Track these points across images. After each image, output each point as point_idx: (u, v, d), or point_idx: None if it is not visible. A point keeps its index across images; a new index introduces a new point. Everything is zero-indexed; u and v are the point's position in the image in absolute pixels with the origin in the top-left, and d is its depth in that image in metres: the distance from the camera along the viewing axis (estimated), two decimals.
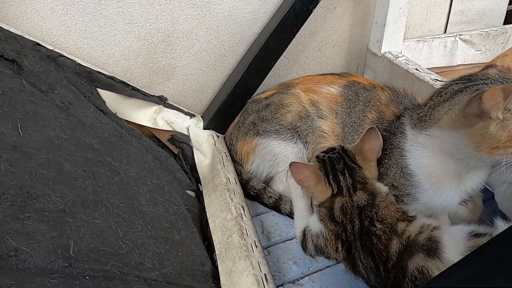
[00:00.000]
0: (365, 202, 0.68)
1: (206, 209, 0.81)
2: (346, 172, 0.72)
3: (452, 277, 0.38)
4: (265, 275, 0.63)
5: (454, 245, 0.57)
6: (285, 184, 0.89)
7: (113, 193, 0.66)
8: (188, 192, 0.89)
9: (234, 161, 0.95)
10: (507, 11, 1.37)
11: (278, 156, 0.88)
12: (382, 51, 1.09)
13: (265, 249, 0.79)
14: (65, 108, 0.76)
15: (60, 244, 0.50)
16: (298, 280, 0.73)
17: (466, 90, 0.63)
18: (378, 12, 1.07)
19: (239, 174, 0.92)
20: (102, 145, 0.75)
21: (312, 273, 0.74)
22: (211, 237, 0.74)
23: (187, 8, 0.96)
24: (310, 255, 0.75)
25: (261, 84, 1.01)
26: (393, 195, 0.71)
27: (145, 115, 0.96)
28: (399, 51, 1.10)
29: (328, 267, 0.75)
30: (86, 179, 0.64)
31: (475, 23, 1.31)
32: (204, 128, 1.03)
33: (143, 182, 0.75)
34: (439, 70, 1.19)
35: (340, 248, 0.69)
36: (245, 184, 0.91)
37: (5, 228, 0.46)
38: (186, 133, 1.00)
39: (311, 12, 0.96)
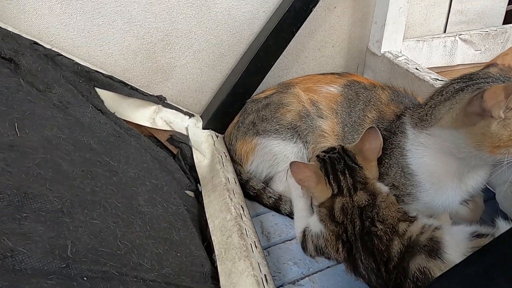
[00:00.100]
0: (366, 202, 0.68)
1: (205, 209, 0.81)
2: (347, 172, 0.72)
3: (454, 278, 0.37)
4: (265, 275, 0.63)
5: (456, 246, 0.56)
6: (285, 184, 0.88)
7: (111, 193, 0.65)
8: (187, 192, 0.88)
9: (233, 161, 0.95)
10: (507, 11, 1.37)
11: (277, 156, 0.87)
12: (382, 50, 1.09)
13: (265, 249, 0.78)
14: (63, 107, 0.76)
15: (57, 245, 0.49)
16: (298, 281, 0.72)
17: (467, 89, 0.63)
18: (377, 12, 1.07)
19: (238, 174, 0.91)
20: (100, 145, 0.74)
21: (312, 274, 0.73)
22: (210, 237, 0.74)
23: (186, 7, 0.96)
24: (310, 256, 0.74)
25: (261, 84, 1.01)
26: (394, 195, 0.71)
27: (143, 115, 0.96)
28: (399, 50, 1.09)
29: (328, 267, 0.74)
30: (84, 179, 0.63)
31: (475, 23, 1.31)
32: (203, 128, 1.02)
33: (141, 182, 0.75)
34: (438, 70, 1.19)
35: (340, 249, 0.69)
36: (244, 184, 0.90)
37: (2, 228, 0.46)
38: (185, 133, 1.00)
39: (311, 11, 0.95)
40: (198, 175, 0.91)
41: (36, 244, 0.47)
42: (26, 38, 0.81)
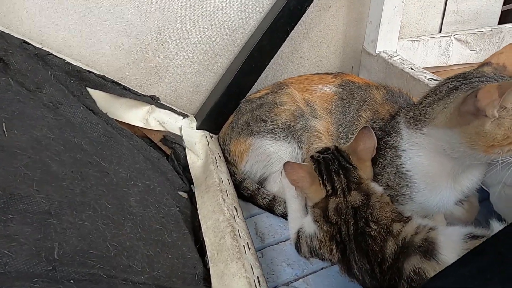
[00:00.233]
0: (360, 202, 0.67)
1: (198, 211, 0.80)
2: (341, 172, 0.71)
3: (449, 278, 0.36)
4: (257, 277, 0.62)
5: (451, 247, 0.55)
6: (279, 185, 0.87)
7: (102, 194, 0.64)
8: (180, 193, 0.87)
9: (227, 161, 0.94)
10: (502, 11, 1.37)
11: (272, 156, 0.86)
12: (377, 50, 1.08)
13: (259, 251, 0.77)
14: (53, 107, 0.75)
15: (44, 247, 0.48)
16: (292, 283, 0.71)
17: (461, 88, 0.62)
18: (372, 12, 1.06)
19: (232, 175, 0.90)
20: (91, 146, 0.73)
21: (306, 275, 0.72)
22: (203, 239, 0.73)
23: (179, 7, 0.95)
24: (304, 257, 0.74)
25: (255, 84, 1.00)
26: (388, 195, 0.70)
27: (136, 115, 0.95)
28: (394, 50, 1.09)
29: (322, 269, 0.74)
30: (73, 180, 0.62)
31: (470, 23, 1.31)
32: (198, 129, 1.01)
33: (133, 183, 0.74)
34: (434, 70, 1.19)
35: (334, 250, 0.68)
36: (238, 185, 0.89)
37: None
38: (178, 133, 0.99)
39: (305, 10, 0.95)
40: (192, 175, 0.90)
41: (21, 247, 0.46)
42: (16, 37, 0.80)
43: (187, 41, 1.00)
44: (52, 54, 0.82)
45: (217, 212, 0.75)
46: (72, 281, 0.47)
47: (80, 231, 0.54)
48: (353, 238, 0.66)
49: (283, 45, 0.98)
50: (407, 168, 0.69)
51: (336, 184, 0.70)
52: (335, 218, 0.68)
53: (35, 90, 0.74)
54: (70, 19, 0.87)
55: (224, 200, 0.77)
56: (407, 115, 0.71)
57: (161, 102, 1.00)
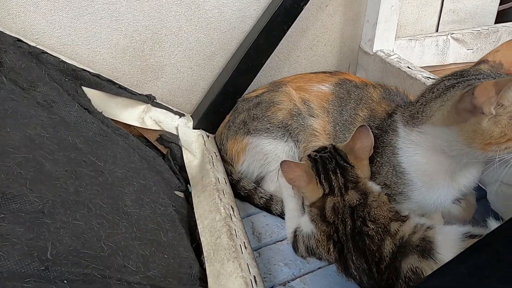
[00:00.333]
0: (357, 201, 0.67)
1: (195, 210, 0.79)
2: (338, 171, 0.71)
3: (446, 276, 0.36)
4: (254, 277, 0.61)
5: (448, 246, 0.55)
6: (276, 184, 0.87)
7: (96, 194, 0.63)
8: (177, 192, 0.86)
9: (224, 161, 0.93)
10: (498, 11, 1.37)
11: (269, 155, 0.86)
12: (374, 49, 1.08)
13: (256, 250, 0.77)
14: (47, 106, 0.74)
15: (36, 247, 0.47)
16: (289, 282, 0.71)
17: (458, 85, 0.62)
18: (369, 10, 1.06)
19: (229, 174, 0.90)
20: (86, 145, 0.73)
21: (303, 275, 0.72)
22: (199, 238, 0.72)
23: (175, 5, 0.95)
24: (302, 256, 0.73)
25: (252, 83, 1.00)
26: (385, 194, 0.70)
27: (132, 114, 0.94)
28: (391, 49, 1.09)
29: (319, 268, 0.73)
30: (67, 179, 0.61)
31: (467, 22, 1.31)
32: (194, 128, 1.01)
33: (129, 182, 0.73)
34: (431, 69, 1.19)
35: (332, 249, 0.68)
36: (235, 185, 0.89)
37: None
38: (175, 132, 0.98)
39: (302, 9, 0.94)
40: (188, 175, 0.90)
41: (13, 246, 0.45)
42: (9, 35, 0.79)
43: (183, 40, 1.00)
44: (47, 53, 0.82)
45: (214, 212, 0.74)
46: (65, 281, 0.47)
47: (73, 230, 0.53)
48: (350, 237, 0.65)
49: (279, 44, 0.98)
50: (404, 166, 0.69)
51: (333, 183, 0.70)
52: (332, 217, 0.68)
53: (29, 88, 0.73)
54: (65, 17, 0.87)
55: (220, 199, 0.76)
56: (404, 113, 0.71)
57: (157, 101, 0.99)
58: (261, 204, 0.86)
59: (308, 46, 1.15)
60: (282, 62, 1.14)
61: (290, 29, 0.96)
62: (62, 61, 0.84)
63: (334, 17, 1.14)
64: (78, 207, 0.58)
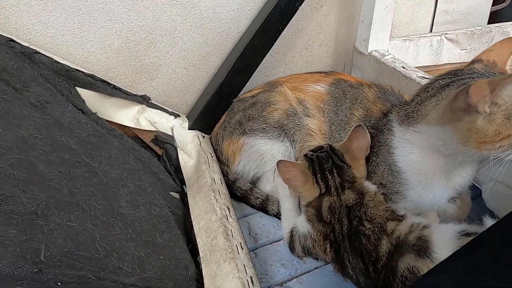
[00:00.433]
0: (354, 201, 0.67)
1: (191, 211, 0.78)
2: (335, 171, 0.71)
3: (443, 274, 0.36)
4: (250, 277, 0.61)
5: (445, 244, 0.55)
6: (272, 184, 0.87)
7: (91, 195, 0.63)
8: (172, 193, 0.86)
9: (220, 161, 0.93)
10: (491, 12, 1.39)
11: (265, 155, 0.86)
12: (369, 49, 1.09)
13: (252, 251, 0.76)
14: (40, 106, 0.73)
15: (29, 249, 0.47)
16: (285, 283, 0.71)
17: (452, 84, 0.62)
18: (364, 11, 1.07)
19: (225, 175, 0.89)
20: (80, 145, 0.72)
21: (300, 275, 0.72)
22: (195, 239, 0.72)
23: (169, 5, 0.94)
24: (298, 256, 0.73)
25: (248, 84, 0.99)
26: (381, 194, 0.70)
27: (127, 115, 0.93)
28: (386, 49, 1.09)
29: (316, 268, 0.73)
30: (61, 180, 0.60)
31: (460, 23, 1.32)
32: (189, 129, 1.00)
33: (123, 183, 0.72)
34: (425, 69, 1.19)
35: (328, 249, 0.68)
36: (231, 185, 0.88)
37: None
38: (170, 133, 0.98)
39: (297, 9, 0.94)
40: (184, 176, 0.89)
41: (5, 248, 0.44)
42: (1, 35, 0.78)
43: (178, 40, 0.99)
44: (40, 53, 0.81)
45: (210, 212, 0.74)
46: (59, 283, 0.46)
47: (68, 232, 0.53)
48: (347, 237, 0.65)
49: (275, 45, 0.98)
50: (400, 165, 0.69)
51: (329, 183, 0.70)
52: (328, 217, 0.68)
53: (22, 89, 0.72)
54: (58, 17, 0.86)
55: (216, 200, 0.76)
56: (399, 112, 0.71)
57: (152, 101, 0.98)
58: (257, 204, 0.86)
59: (303, 47, 1.15)
60: (277, 63, 1.14)
61: (285, 30, 0.96)
62: (56, 61, 0.83)
63: (329, 18, 1.14)
64: (72, 208, 0.57)
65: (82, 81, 0.85)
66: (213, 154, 0.93)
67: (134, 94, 0.95)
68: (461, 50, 1.22)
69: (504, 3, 1.48)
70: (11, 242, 0.46)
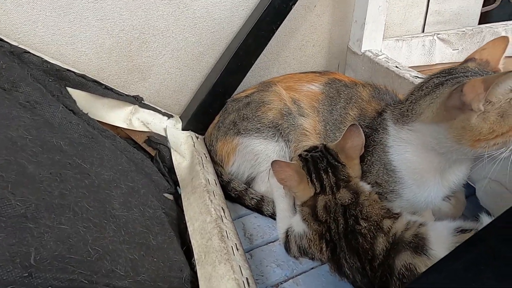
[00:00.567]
0: (349, 200, 0.67)
1: (185, 212, 0.77)
2: (329, 170, 0.70)
3: (442, 273, 0.36)
4: (246, 279, 0.60)
5: (441, 241, 0.55)
6: (267, 185, 0.86)
7: (83, 197, 0.61)
8: (166, 195, 0.85)
9: (214, 162, 0.92)
10: (481, 13, 1.40)
11: (259, 155, 0.85)
12: (362, 49, 1.09)
13: (247, 252, 0.75)
14: (30, 107, 0.71)
15: (19, 252, 0.45)
16: (282, 283, 0.70)
17: (446, 83, 0.63)
18: (357, 11, 1.07)
19: (219, 175, 0.89)
20: (71, 147, 0.70)
21: (296, 276, 0.71)
22: (190, 241, 0.71)
23: (162, 4, 0.93)
24: (294, 257, 0.72)
25: (241, 84, 0.99)
26: (377, 193, 0.70)
27: (119, 116, 0.92)
28: (379, 49, 1.10)
29: (312, 268, 0.72)
30: (52, 182, 0.59)
31: (451, 23, 1.33)
32: (183, 129, 0.99)
33: (116, 185, 0.71)
34: (418, 69, 1.20)
35: (324, 249, 0.67)
36: (225, 186, 0.87)
37: None
38: (163, 134, 0.97)
39: (291, 9, 0.94)
40: (177, 177, 0.88)
41: None
42: None
43: (171, 40, 0.98)
44: (29, 52, 0.79)
45: (204, 213, 0.73)
46: (50, 287, 0.45)
47: (58, 235, 0.51)
48: (343, 236, 0.65)
49: (268, 45, 0.97)
50: (395, 164, 0.69)
51: (324, 182, 0.70)
52: (324, 216, 0.67)
53: (11, 89, 0.71)
54: (48, 16, 0.84)
55: (211, 201, 0.75)
56: (394, 111, 0.71)
57: (145, 102, 0.97)
58: (252, 205, 0.85)
59: (297, 47, 1.15)
60: (271, 63, 1.14)
61: (279, 30, 0.96)
62: (46, 61, 0.81)
63: (323, 18, 1.14)
64: (63, 211, 0.55)
65: (73, 81, 0.84)
66: (207, 155, 0.93)
67: (126, 95, 0.93)
68: (453, 50, 1.23)
69: (494, 4, 1.50)
70: (0, 246, 0.44)
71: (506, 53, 0.67)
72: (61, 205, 0.56)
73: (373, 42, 1.09)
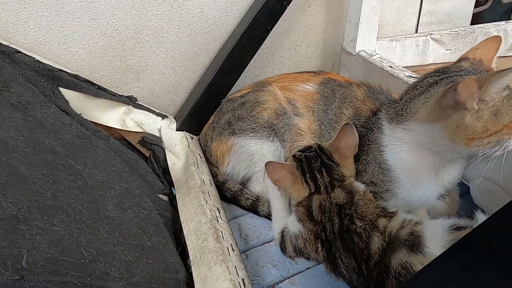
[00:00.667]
0: (344, 200, 0.67)
1: (180, 213, 0.77)
2: (324, 170, 0.70)
3: (438, 271, 0.36)
4: (242, 279, 0.60)
5: (436, 239, 0.56)
6: (262, 185, 0.86)
7: (76, 198, 0.60)
8: (160, 196, 0.84)
9: (209, 163, 0.91)
10: (473, 13, 1.42)
11: (254, 155, 0.85)
12: (357, 49, 1.09)
13: (243, 252, 0.75)
14: (22, 107, 0.70)
15: (10, 255, 0.44)
16: (278, 284, 0.70)
17: (441, 82, 0.63)
18: (351, 11, 1.07)
19: (214, 176, 0.88)
20: (64, 147, 0.70)
21: (292, 276, 0.71)
22: (185, 242, 0.70)
23: (156, 4, 0.92)
24: (290, 257, 0.72)
25: (236, 84, 0.99)
26: (372, 192, 0.70)
27: (112, 116, 0.91)
28: (373, 49, 1.10)
29: (308, 268, 0.72)
30: (44, 183, 0.58)
31: (444, 24, 1.34)
32: (177, 130, 0.98)
33: (110, 186, 0.70)
34: (411, 69, 1.21)
35: (320, 248, 0.67)
36: (221, 187, 0.87)
37: None
38: (157, 134, 0.96)
39: (285, 9, 0.94)
40: (172, 177, 0.88)
41: None
42: None
43: (165, 40, 0.98)
44: (20, 52, 0.78)
45: (199, 214, 0.72)
46: None
47: (51, 236, 0.50)
48: (338, 236, 0.65)
49: (263, 45, 0.97)
50: (390, 163, 0.69)
51: (319, 182, 0.70)
52: (319, 216, 0.67)
53: (2, 89, 0.70)
54: (40, 15, 0.83)
55: (206, 201, 0.75)
56: (388, 111, 0.71)
57: (139, 102, 0.96)
58: (247, 205, 0.85)
59: (291, 47, 1.15)
60: (265, 63, 1.14)
61: (273, 30, 0.96)
62: (38, 61, 0.80)
63: (317, 18, 1.14)
64: (56, 212, 0.55)
65: (66, 81, 0.83)
66: (202, 155, 0.92)
67: (120, 95, 0.92)
68: (446, 50, 1.24)
69: (485, 5, 1.51)
70: None
71: (499, 53, 0.68)
72: (54, 207, 0.55)
73: (367, 42, 1.09)
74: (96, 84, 0.88)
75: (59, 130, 0.74)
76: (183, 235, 0.72)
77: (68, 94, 0.83)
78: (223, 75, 0.97)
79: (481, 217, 0.57)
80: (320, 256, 0.67)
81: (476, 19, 1.46)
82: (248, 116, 0.85)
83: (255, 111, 0.85)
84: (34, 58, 0.80)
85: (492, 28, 1.28)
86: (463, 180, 0.76)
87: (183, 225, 0.74)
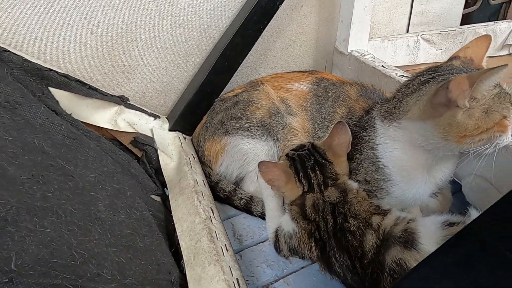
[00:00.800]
0: (337, 199, 0.67)
1: (173, 214, 0.76)
2: (317, 168, 0.70)
3: (432, 266, 0.36)
4: (237, 279, 0.59)
5: (430, 235, 0.56)
6: (256, 184, 0.85)
7: (66, 199, 0.59)
8: (153, 196, 0.83)
9: (202, 163, 0.91)
10: (463, 14, 1.43)
11: (248, 154, 0.84)
12: (349, 49, 1.10)
13: (237, 253, 0.75)
14: (10, 107, 0.69)
15: None
16: (272, 284, 0.69)
17: (433, 80, 0.63)
18: (343, 11, 1.08)
19: (207, 176, 0.87)
20: (54, 148, 0.68)
21: (286, 275, 0.71)
22: (178, 243, 0.69)
23: (147, 3, 0.92)
24: (284, 256, 0.72)
25: (229, 84, 0.98)
26: (366, 190, 0.70)
27: (104, 117, 0.90)
28: (365, 49, 1.11)
29: (302, 268, 0.72)
30: (33, 184, 0.57)
31: (435, 24, 1.36)
32: (170, 130, 0.98)
33: (101, 186, 0.69)
34: (403, 69, 1.22)
35: (314, 247, 0.67)
36: (214, 187, 0.86)
37: None
38: (149, 135, 0.95)
39: (278, 8, 0.94)
40: (165, 178, 0.87)
41: None
42: None
43: (157, 39, 0.97)
44: (9, 51, 0.76)
45: (193, 214, 0.72)
46: None
47: (41, 238, 0.49)
48: (332, 234, 0.65)
49: (256, 45, 0.97)
50: (383, 162, 0.70)
51: (312, 181, 0.69)
52: (313, 215, 0.67)
53: None
54: (29, 14, 0.82)
55: (199, 201, 0.74)
56: (381, 109, 0.71)
57: (131, 102, 0.95)
58: (241, 205, 0.84)
59: (284, 47, 1.15)
60: (258, 63, 1.13)
61: (266, 30, 0.96)
62: (26, 60, 0.79)
63: (309, 18, 1.15)
64: (46, 214, 0.54)
65: (56, 81, 0.81)
66: (195, 155, 0.91)
67: (111, 95, 0.91)
68: (436, 50, 1.25)
69: (474, 6, 1.54)
70: None
71: (488, 53, 0.69)
72: (44, 208, 0.54)
73: (359, 42, 1.10)
74: (86, 84, 0.87)
75: (49, 130, 0.73)
76: (176, 235, 0.71)
77: (58, 93, 0.82)
78: (216, 75, 0.96)
79: (474, 213, 0.57)
80: (314, 255, 0.67)
81: (466, 19, 1.48)
82: (242, 116, 0.85)
83: (249, 110, 0.85)
84: (23, 57, 0.78)
85: (481, 29, 1.30)
86: (455, 178, 0.76)
87: (176, 226, 0.73)
